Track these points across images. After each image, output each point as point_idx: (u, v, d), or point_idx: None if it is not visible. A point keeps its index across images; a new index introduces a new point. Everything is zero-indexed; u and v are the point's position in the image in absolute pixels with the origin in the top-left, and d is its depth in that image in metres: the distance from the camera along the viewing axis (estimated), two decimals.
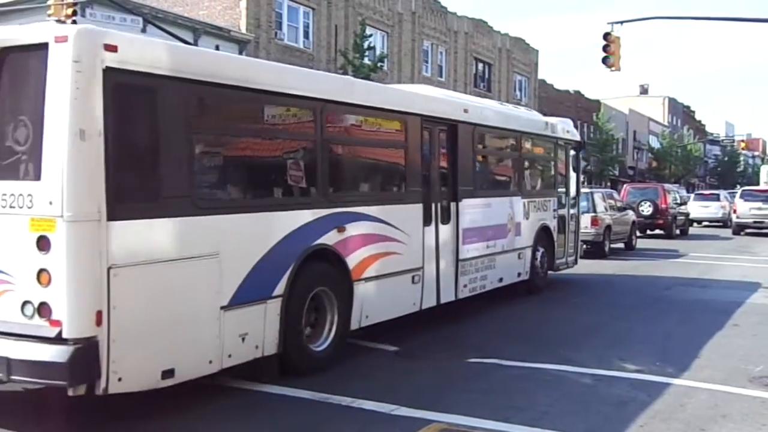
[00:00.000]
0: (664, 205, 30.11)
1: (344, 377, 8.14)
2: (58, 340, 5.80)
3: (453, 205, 11.08)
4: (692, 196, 42.26)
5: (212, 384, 7.66)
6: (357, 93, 9.40)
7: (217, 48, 26.24)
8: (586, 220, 20.08)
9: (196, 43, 26.64)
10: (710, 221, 38.64)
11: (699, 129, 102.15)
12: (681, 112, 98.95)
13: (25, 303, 5.96)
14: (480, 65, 49.49)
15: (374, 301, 9.20)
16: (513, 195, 13.17)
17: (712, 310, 12.86)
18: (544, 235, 14.25)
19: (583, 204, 19.10)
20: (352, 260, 8.76)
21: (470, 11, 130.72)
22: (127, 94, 6.21)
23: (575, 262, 16.31)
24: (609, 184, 60.02)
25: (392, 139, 10.24)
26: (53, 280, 5.83)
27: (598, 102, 67.04)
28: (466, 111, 11.71)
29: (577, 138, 16.43)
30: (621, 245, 24.17)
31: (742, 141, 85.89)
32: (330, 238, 8.42)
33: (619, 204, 24.81)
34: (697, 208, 37.73)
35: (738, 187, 53.71)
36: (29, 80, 6.21)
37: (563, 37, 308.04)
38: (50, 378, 5.90)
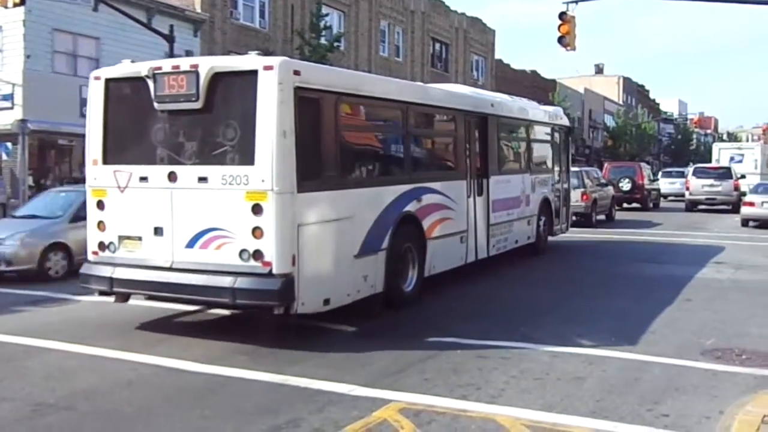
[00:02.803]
0: (641, 182, 34.00)
1: (302, 359, 8.12)
2: (269, 275, 8.37)
3: (485, 181, 13.84)
4: (660, 173, 46.51)
5: (170, 367, 7.63)
6: (427, 95, 12.46)
7: (171, 28, 25.75)
8: (576, 194, 22.99)
9: (149, 23, 26.18)
10: (676, 196, 39.90)
11: (653, 108, 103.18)
12: (635, 92, 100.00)
13: (242, 251, 8.49)
14: (437, 45, 49.45)
15: (438, 256, 11.83)
16: (524, 172, 16.07)
17: (667, 286, 13.10)
18: (545, 205, 17.23)
19: (574, 181, 21.85)
20: (425, 223, 11.44)
21: None
22: (305, 105, 8.70)
23: (567, 228, 19.29)
24: None
25: (447, 129, 13.18)
26: (265, 234, 8.39)
27: (554, 82, 67.41)
28: (492, 105, 14.62)
29: (567, 124, 19.42)
30: (602, 217, 27.09)
31: (695, 119, 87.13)
32: (412, 206, 11.09)
33: (601, 181, 28.11)
34: (665, 185, 41.24)
35: (690, 164, 54.64)
36: (239, 95, 8.70)
37: (520, 17, 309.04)
38: (265, 300, 8.45)
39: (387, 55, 43.47)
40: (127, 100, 9.64)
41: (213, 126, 8.86)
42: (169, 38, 25.09)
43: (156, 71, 9.00)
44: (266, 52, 32.96)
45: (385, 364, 7.96)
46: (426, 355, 8.32)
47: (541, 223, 16.99)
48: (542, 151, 17.58)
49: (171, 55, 25.16)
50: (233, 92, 8.77)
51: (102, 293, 9.64)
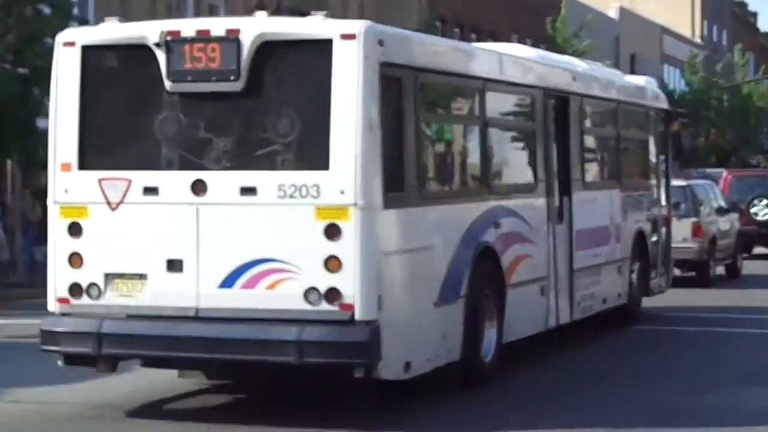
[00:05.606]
0: None
1: None
2: (350, 322, 10.53)
3: (565, 199, 16.13)
4: None
5: None
6: (503, 65, 14.73)
7: None
8: (684, 227, 25.03)
9: None
10: None
11: (765, 51, 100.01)
12: (728, 19, 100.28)
13: (309, 290, 10.56)
14: None
15: (516, 313, 13.86)
16: (612, 187, 18.55)
17: None
18: (640, 243, 19.46)
19: (681, 206, 25.49)
20: (504, 262, 13.68)
21: None
22: (388, 88, 11.05)
23: (668, 284, 21.40)
24: None
25: (522, 119, 15.87)
26: (344, 266, 10.47)
27: None
28: (574, 79, 17.22)
29: (666, 105, 22.21)
30: (721, 268, 29.19)
31: None
32: (491, 235, 13.38)
33: (719, 204, 29.77)
34: None
35: None
36: (302, 73, 11.02)
37: None
38: (345, 358, 10.61)
39: None
40: (119, 77, 11.49)
41: (260, 115, 10.81)
42: None
43: (171, 37, 10.63)
44: None
45: None
46: None
47: (635, 272, 18.64)
48: (634, 153, 20.29)
49: None
50: (293, 69, 10.83)
51: (72, 360, 11.19)
